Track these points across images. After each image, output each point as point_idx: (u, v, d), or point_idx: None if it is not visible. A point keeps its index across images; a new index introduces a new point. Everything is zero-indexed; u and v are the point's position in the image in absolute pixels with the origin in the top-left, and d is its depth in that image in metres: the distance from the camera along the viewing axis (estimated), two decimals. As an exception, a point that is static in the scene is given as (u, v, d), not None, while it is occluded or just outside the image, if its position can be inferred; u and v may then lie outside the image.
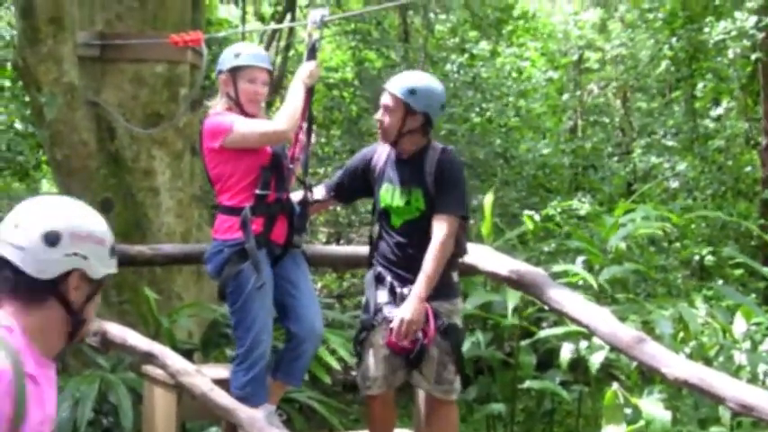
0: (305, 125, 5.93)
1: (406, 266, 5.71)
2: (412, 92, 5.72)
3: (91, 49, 8.45)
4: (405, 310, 5.53)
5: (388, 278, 5.79)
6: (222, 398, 4.37)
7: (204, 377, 4.56)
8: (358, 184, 6.09)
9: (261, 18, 15.54)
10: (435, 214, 5.64)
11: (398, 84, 5.81)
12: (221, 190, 5.89)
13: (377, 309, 5.79)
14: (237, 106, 5.90)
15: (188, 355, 7.39)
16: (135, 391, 6.79)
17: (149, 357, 4.83)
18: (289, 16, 14.79)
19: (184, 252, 7.63)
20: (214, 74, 13.90)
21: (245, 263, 5.72)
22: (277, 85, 15.00)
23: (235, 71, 5.89)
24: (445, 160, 5.74)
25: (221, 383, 5.15)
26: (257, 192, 5.77)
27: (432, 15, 15.51)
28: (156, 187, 8.65)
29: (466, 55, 15.75)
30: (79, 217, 3.02)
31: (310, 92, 5.95)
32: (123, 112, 8.46)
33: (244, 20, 15.40)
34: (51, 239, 2.90)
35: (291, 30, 15.25)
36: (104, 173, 8.46)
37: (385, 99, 5.82)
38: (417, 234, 5.69)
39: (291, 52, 15.82)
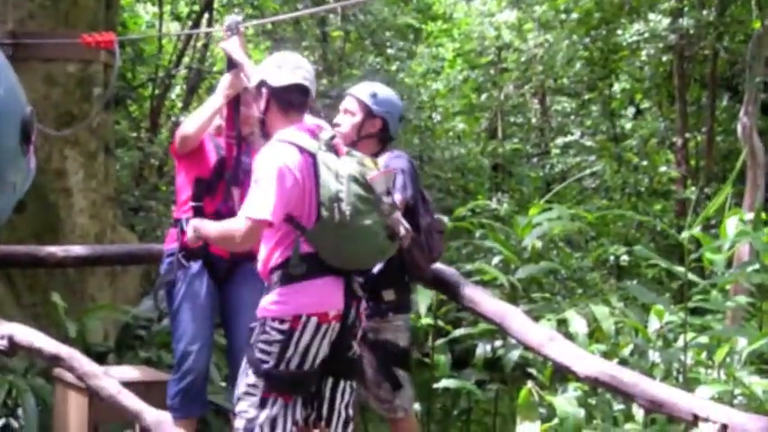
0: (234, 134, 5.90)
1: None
2: (373, 95, 5.82)
3: (1, 48, 8.30)
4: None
5: None
6: (130, 400, 4.31)
7: (112, 379, 4.50)
8: None
9: (177, 18, 15.39)
10: None
11: (361, 87, 5.92)
12: (175, 203, 5.92)
13: None
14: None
15: (102, 357, 7.31)
16: (44, 397, 6.69)
17: (57, 360, 4.75)
18: (206, 16, 14.69)
19: (97, 253, 7.55)
20: (129, 74, 13.89)
21: (177, 272, 5.73)
22: (194, 88, 14.90)
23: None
24: (390, 159, 5.75)
25: (132, 385, 5.09)
26: (191, 203, 5.76)
27: (351, 16, 15.49)
28: (69, 188, 8.52)
29: (381, 57, 15.75)
30: None
31: (235, 102, 5.87)
32: (35, 111, 8.31)
33: (161, 21, 15.27)
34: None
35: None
36: (15, 173, 8.30)
37: (345, 103, 5.88)
38: None
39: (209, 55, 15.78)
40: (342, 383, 4.89)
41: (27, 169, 2.42)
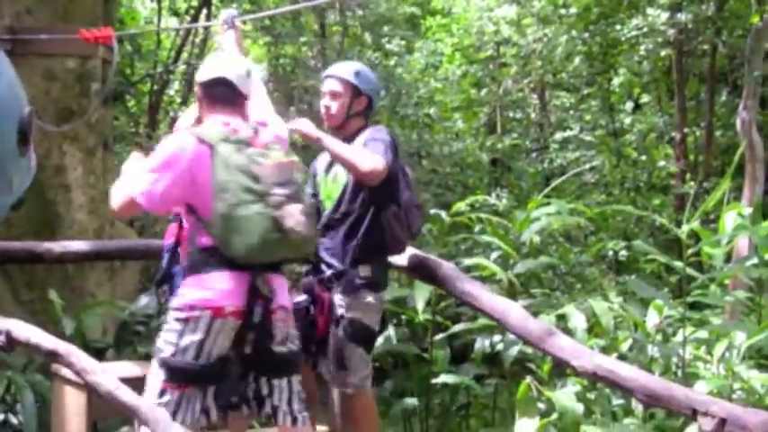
0: None
1: (336, 252, 5.77)
2: (357, 73, 5.89)
3: (0, 44, 8.31)
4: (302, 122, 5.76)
5: (320, 263, 5.83)
6: (127, 396, 4.30)
7: (110, 375, 4.49)
8: None
9: (175, 13, 15.39)
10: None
11: (342, 68, 5.98)
12: None
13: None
14: None
15: (101, 353, 7.30)
16: (43, 393, 6.69)
17: (55, 356, 4.74)
18: (204, 11, 14.68)
19: (96, 249, 7.53)
20: (127, 69, 13.88)
21: (175, 267, 5.75)
22: (192, 83, 14.88)
23: None
24: (372, 133, 5.79)
25: (130, 381, 5.08)
26: None
27: (349, 14, 15.50)
28: (68, 184, 8.53)
29: (379, 52, 15.76)
30: None
31: None
32: (34, 107, 8.28)
33: (159, 16, 15.26)
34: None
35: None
36: (14, 169, 8.28)
37: (330, 86, 5.91)
38: (344, 217, 5.76)
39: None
40: (277, 382, 4.94)
41: (27, 167, 2.40)
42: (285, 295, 4.98)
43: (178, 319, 4.78)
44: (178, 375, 4.76)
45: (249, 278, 4.75)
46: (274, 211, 4.64)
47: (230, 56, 5.40)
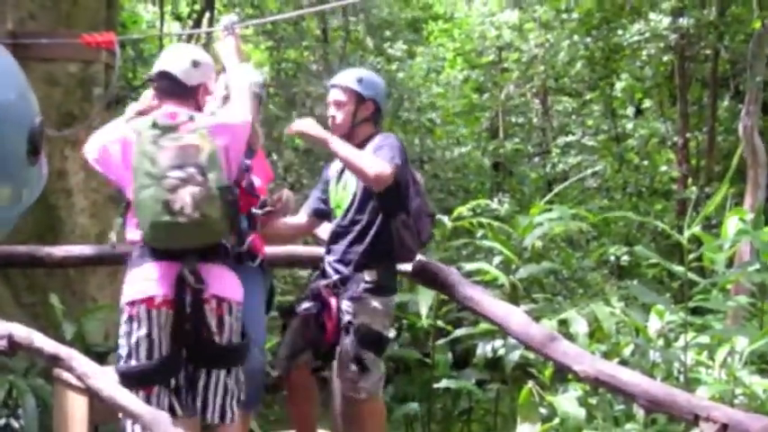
0: None
1: (342, 257, 5.75)
2: (359, 80, 5.85)
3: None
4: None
5: (328, 268, 5.83)
6: (129, 400, 4.31)
7: (111, 379, 4.50)
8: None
9: (178, 18, 15.39)
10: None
11: (345, 76, 5.94)
12: None
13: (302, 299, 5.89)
14: None
15: (102, 357, 7.29)
16: (44, 397, 6.69)
17: (56, 360, 4.75)
18: (207, 16, 14.68)
19: (97, 253, 7.52)
20: (130, 74, 13.88)
21: None
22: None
23: None
24: (381, 140, 5.75)
25: (132, 386, 5.10)
26: None
27: (352, 18, 15.50)
28: (70, 188, 8.51)
29: (381, 57, 15.75)
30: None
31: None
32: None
33: (162, 21, 15.26)
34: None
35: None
36: (16, 174, 8.27)
37: (334, 95, 5.89)
38: (353, 224, 5.73)
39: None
40: (214, 375, 4.92)
41: (38, 176, 2.39)
42: (222, 285, 4.97)
43: (124, 320, 4.83)
44: (134, 380, 4.77)
45: (178, 268, 4.78)
46: (168, 194, 4.63)
47: (180, 49, 5.42)
